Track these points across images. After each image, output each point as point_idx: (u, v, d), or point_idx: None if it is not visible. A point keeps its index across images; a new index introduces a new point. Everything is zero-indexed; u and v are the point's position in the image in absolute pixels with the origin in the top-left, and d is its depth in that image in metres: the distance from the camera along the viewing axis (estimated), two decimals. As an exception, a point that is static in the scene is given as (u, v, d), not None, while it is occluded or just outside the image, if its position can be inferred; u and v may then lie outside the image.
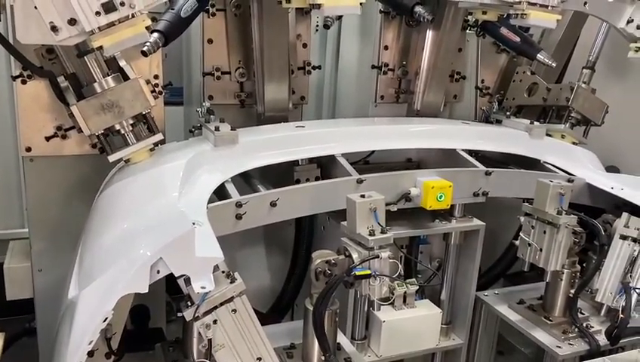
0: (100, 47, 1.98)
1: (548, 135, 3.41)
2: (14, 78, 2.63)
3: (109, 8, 1.95)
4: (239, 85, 3.13)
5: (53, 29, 1.98)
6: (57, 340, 2.36)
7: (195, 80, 3.37)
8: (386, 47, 3.41)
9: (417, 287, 2.87)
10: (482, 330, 3.13)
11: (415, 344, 2.86)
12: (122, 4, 1.97)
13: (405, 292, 2.79)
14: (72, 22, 1.97)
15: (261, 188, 2.64)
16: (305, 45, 3.22)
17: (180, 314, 4.04)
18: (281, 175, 2.88)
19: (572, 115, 3.47)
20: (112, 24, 1.99)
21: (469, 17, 3.40)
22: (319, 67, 3.33)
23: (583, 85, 3.49)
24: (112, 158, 2.48)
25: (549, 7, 2.71)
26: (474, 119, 3.74)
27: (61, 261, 2.77)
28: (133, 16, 2.00)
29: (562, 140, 3.45)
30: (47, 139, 2.71)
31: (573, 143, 3.48)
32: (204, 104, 2.83)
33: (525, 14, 2.67)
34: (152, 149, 2.54)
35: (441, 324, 2.95)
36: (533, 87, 3.61)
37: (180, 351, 2.37)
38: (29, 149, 2.72)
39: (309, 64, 3.25)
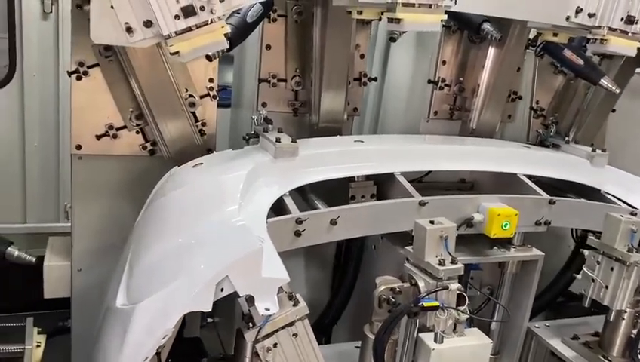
0: (176, 53, 1.89)
1: None
2: (70, 74, 2.57)
3: (188, 12, 1.86)
4: (294, 94, 3.05)
5: (128, 30, 1.89)
6: (100, 347, 2.28)
7: (247, 84, 3.29)
8: (444, 62, 3.31)
9: (468, 316, 2.76)
10: (531, 363, 3.02)
11: (462, 373, 2.75)
12: (202, 8, 1.88)
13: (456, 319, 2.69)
14: (148, 24, 1.89)
15: (318, 203, 2.55)
16: (362, 56, 3.13)
17: (210, 320, 3.93)
18: (333, 189, 2.79)
19: None
20: (188, 29, 1.91)
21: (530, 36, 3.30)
22: (375, 79, 3.24)
23: None
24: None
25: (630, 34, 2.59)
26: (526, 140, 3.62)
27: (102, 262, 2.71)
28: (212, 21, 1.91)
29: None
30: (98, 137, 2.66)
31: None
32: (260, 112, 2.75)
33: (605, 40, 2.56)
34: None
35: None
36: None
37: (229, 369, 2.29)
38: (79, 147, 2.66)
39: (365, 75, 3.16)
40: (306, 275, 3.42)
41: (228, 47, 1.99)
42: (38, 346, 2.19)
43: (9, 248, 2.67)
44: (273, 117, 2.87)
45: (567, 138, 3.37)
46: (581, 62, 3.25)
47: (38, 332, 2.24)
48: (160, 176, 2.61)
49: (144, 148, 2.73)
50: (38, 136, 3.74)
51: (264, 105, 2.99)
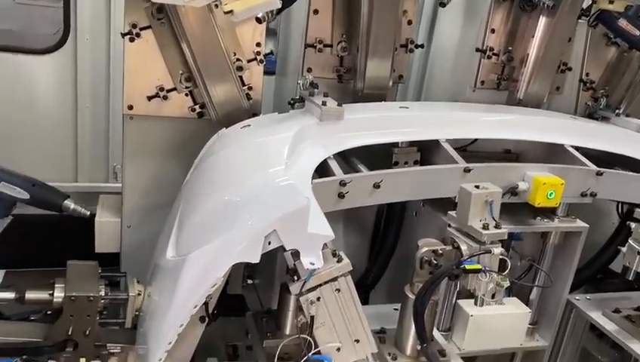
0: (230, 12, 1.93)
1: None
2: (123, 35, 2.63)
3: (243, -29, 1.90)
4: (339, 60, 3.05)
5: (184, -12, 1.94)
6: (150, 300, 2.39)
7: (292, 50, 3.30)
8: (492, 31, 3.24)
9: (509, 284, 2.76)
10: (569, 335, 3.01)
11: (499, 341, 2.78)
12: (256, -32, 1.90)
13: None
14: (204, -18, 1.93)
15: (361, 167, 2.57)
16: (410, 22, 3.10)
17: (250, 282, 4.02)
18: (376, 154, 2.80)
19: None
20: (242, -13, 1.94)
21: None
22: (422, 46, 3.20)
23: None
24: None
25: (693, 1, 2.50)
26: (574, 113, 3.54)
27: (150, 219, 2.81)
28: (265, -20, 1.93)
29: None
30: (149, 98, 2.72)
31: None
32: (307, 77, 2.77)
33: (665, 7, 2.47)
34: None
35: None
36: None
37: (272, 322, 2.37)
38: (130, 107, 2.73)
39: (412, 42, 3.13)
40: (345, 240, 3.47)
41: (280, 6, 2.01)
42: (139, 294, 2.41)
43: (65, 201, 2.81)
44: (318, 83, 2.89)
45: (617, 111, 3.28)
46: (637, 32, 3.15)
47: (137, 282, 2.46)
48: (207, 138, 2.68)
49: (193, 110, 2.79)
50: (90, 97, 3.86)
51: (309, 70, 3.00)
